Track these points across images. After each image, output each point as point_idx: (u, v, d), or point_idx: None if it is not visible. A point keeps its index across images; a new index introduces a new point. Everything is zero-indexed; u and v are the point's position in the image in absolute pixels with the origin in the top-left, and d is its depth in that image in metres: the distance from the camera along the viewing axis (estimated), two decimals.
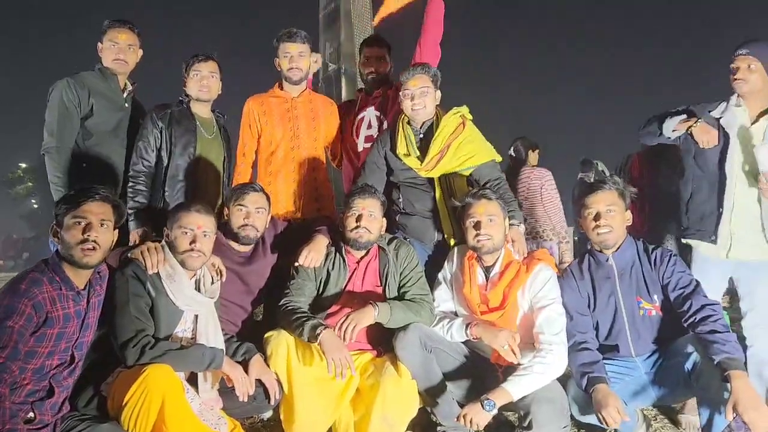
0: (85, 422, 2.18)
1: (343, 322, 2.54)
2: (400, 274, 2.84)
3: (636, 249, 2.67)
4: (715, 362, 2.22)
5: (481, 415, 2.32)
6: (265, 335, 2.68)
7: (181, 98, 3.27)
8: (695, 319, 2.39)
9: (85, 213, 2.16)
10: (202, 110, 3.29)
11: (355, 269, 2.86)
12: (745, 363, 2.35)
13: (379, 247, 2.88)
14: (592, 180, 6.86)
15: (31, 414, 2.07)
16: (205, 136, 3.26)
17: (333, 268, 2.84)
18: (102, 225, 2.19)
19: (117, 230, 2.31)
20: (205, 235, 2.51)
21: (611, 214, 2.60)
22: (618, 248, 2.65)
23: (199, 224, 2.50)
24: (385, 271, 2.83)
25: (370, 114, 3.62)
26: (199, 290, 2.55)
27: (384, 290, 2.82)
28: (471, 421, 2.33)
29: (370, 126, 3.62)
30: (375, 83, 3.71)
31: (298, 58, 3.39)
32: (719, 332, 2.29)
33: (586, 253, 2.80)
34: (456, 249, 2.93)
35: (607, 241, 2.62)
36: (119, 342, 2.27)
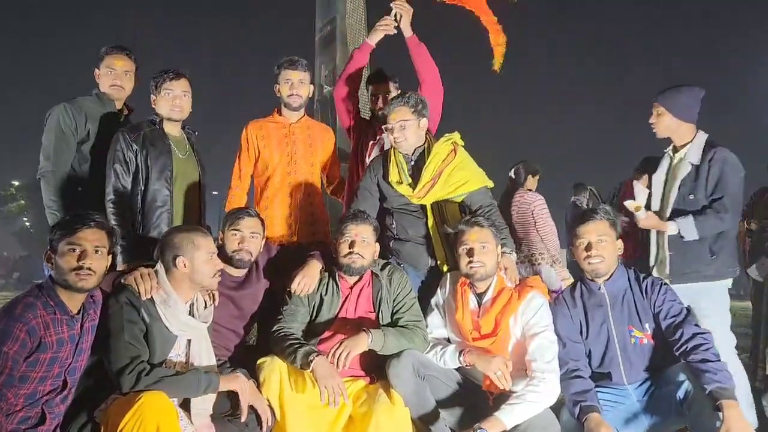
0: None
1: (336, 349, 2.55)
2: (394, 300, 2.85)
3: (627, 278, 2.70)
4: (707, 391, 2.25)
5: None
6: (258, 361, 2.67)
7: (151, 118, 3.17)
8: (686, 347, 2.41)
9: (80, 240, 2.18)
10: (173, 129, 3.21)
11: (348, 295, 2.87)
12: None
13: (373, 272, 2.89)
14: (584, 204, 6.94)
15: None
16: (179, 156, 3.18)
17: (326, 294, 2.85)
18: (96, 252, 2.21)
19: (110, 255, 2.33)
20: (211, 257, 2.57)
21: (602, 243, 2.64)
22: (610, 277, 2.68)
23: (216, 248, 2.60)
24: (378, 297, 2.84)
25: (386, 139, 3.56)
26: (192, 315, 2.55)
27: (377, 316, 2.83)
28: None
29: (382, 150, 3.59)
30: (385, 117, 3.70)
31: (298, 85, 3.42)
32: (710, 361, 2.32)
33: (578, 281, 2.83)
34: (449, 275, 2.95)
35: (599, 270, 2.66)
36: (114, 369, 2.26)
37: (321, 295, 2.85)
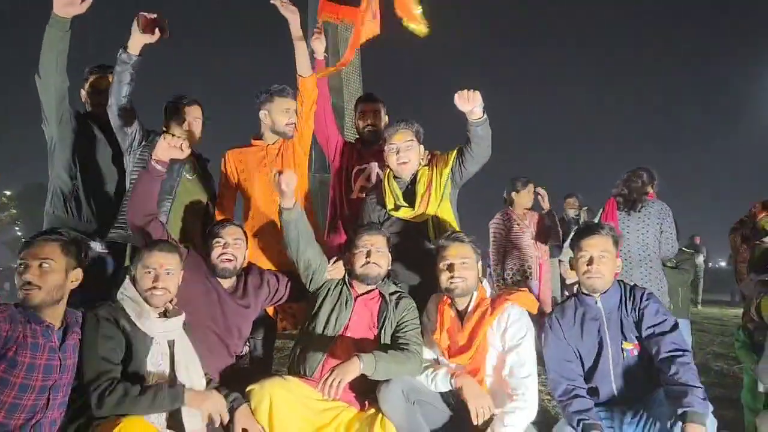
0: None
1: (328, 377, 2.52)
2: (397, 323, 2.87)
3: (621, 292, 2.70)
4: (679, 413, 2.25)
5: None
6: (247, 389, 2.65)
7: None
8: (663, 369, 2.42)
9: (28, 257, 2.21)
10: None
11: (357, 305, 2.90)
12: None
13: (381, 293, 2.92)
14: (578, 216, 6.95)
15: None
16: (187, 176, 3.29)
17: (339, 299, 2.91)
18: (41, 266, 2.20)
19: (79, 269, 2.33)
20: (168, 273, 2.53)
21: (603, 259, 2.65)
22: (606, 291, 2.68)
23: (161, 263, 2.53)
24: (383, 316, 2.87)
25: (374, 168, 3.64)
26: (167, 315, 2.56)
27: (379, 333, 2.85)
28: None
29: (369, 179, 3.65)
30: (371, 135, 3.72)
31: (294, 114, 3.44)
32: (685, 385, 2.31)
33: (571, 296, 2.84)
34: (433, 297, 2.97)
35: (596, 286, 2.66)
36: (85, 383, 2.26)
37: (333, 300, 2.91)
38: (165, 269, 2.52)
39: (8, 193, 36.22)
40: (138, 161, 3.19)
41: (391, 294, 2.94)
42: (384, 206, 3.20)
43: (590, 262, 2.65)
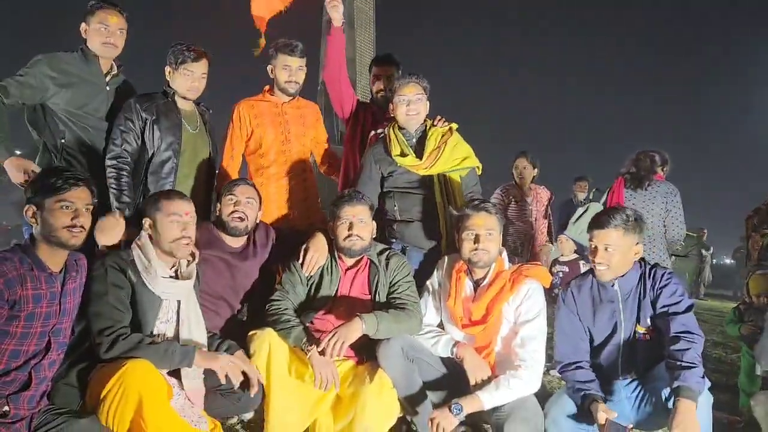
0: (62, 416, 2.15)
1: (330, 338, 2.51)
2: (390, 284, 2.83)
3: (641, 273, 2.62)
4: (673, 386, 2.24)
5: (449, 419, 2.33)
6: (249, 333, 2.67)
7: (165, 89, 3.16)
8: (670, 346, 2.37)
9: (72, 198, 2.18)
10: (185, 104, 3.23)
11: (345, 277, 2.86)
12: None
13: (370, 259, 2.87)
14: (580, 199, 6.91)
15: (6, 408, 2.04)
16: (189, 130, 3.20)
17: (326, 274, 2.84)
18: (86, 210, 2.22)
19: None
20: (193, 221, 2.54)
21: (610, 251, 2.54)
22: (624, 275, 2.60)
23: (187, 210, 2.52)
24: (375, 281, 2.82)
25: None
26: (177, 277, 2.55)
27: (373, 298, 2.82)
28: (438, 426, 2.33)
29: None
30: (385, 101, 3.67)
31: (297, 72, 3.39)
32: (685, 362, 2.27)
33: (589, 272, 2.76)
34: (446, 258, 2.92)
35: (602, 276, 2.59)
36: (95, 329, 2.28)
37: (320, 274, 2.84)
38: (190, 216, 2.53)
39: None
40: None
41: (380, 254, 2.88)
42: (390, 155, 3.14)
43: (594, 252, 2.57)
